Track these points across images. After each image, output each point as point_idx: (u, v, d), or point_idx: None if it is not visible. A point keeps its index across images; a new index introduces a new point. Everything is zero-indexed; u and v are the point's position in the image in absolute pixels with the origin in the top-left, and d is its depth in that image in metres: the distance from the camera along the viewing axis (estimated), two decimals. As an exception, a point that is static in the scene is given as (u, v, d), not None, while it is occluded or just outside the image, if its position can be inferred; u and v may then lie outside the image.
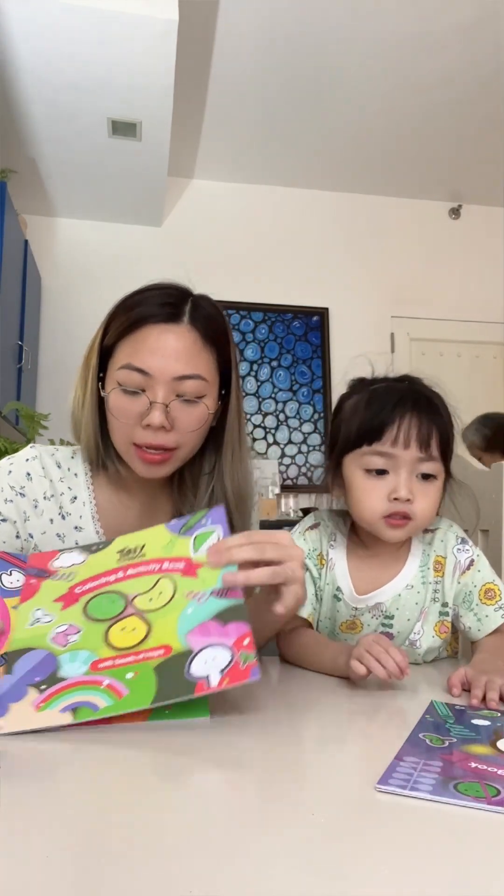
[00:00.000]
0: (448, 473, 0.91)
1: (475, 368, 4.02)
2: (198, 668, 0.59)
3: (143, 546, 0.72)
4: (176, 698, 0.57)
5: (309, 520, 1.01)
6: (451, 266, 4.07)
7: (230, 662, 0.58)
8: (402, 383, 0.91)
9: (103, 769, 0.49)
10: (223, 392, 0.89)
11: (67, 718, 0.57)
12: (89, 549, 0.74)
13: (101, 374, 0.87)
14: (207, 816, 0.41)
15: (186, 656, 0.60)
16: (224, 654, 0.59)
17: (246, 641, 0.60)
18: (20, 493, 0.88)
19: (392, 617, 0.91)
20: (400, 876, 0.34)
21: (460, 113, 3.28)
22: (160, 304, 0.84)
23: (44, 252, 3.63)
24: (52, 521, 0.88)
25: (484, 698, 0.68)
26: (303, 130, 3.42)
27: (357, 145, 3.55)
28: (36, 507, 0.88)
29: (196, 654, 0.60)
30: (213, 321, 0.86)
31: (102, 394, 0.86)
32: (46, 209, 3.63)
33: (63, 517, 0.89)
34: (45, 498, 0.88)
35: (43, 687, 0.59)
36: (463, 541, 0.96)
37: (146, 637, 0.62)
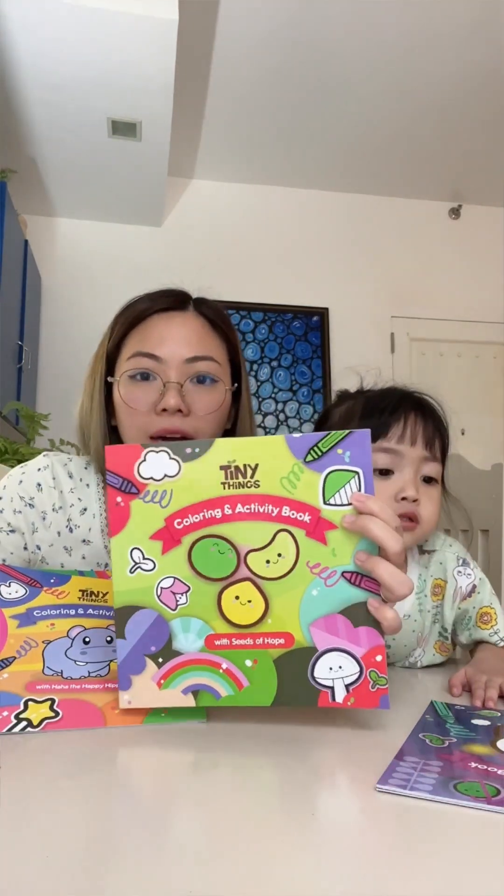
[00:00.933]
0: (442, 481, 0.89)
1: (475, 368, 4.02)
2: (322, 673, 0.56)
3: (256, 467, 0.57)
4: (297, 703, 0.56)
5: None
6: (451, 266, 4.07)
7: (359, 679, 0.55)
8: (399, 390, 0.90)
9: (102, 770, 0.49)
10: (235, 385, 0.86)
11: (190, 701, 0.57)
12: (182, 450, 0.59)
13: (109, 380, 0.84)
14: (207, 817, 0.41)
15: (310, 654, 0.56)
16: (352, 667, 0.55)
17: (378, 658, 0.55)
18: (29, 504, 0.85)
19: (389, 647, 0.88)
20: (400, 876, 0.34)
21: (460, 113, 3.28)
22: (163, 297, 0.84)
23: (44, 252, 3.63)
24: (59, 533, 0.86)
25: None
26: (303, 130, 3.42)
27: (357, 145, 3.55)
28: (44, 518, 0.85)
29: (320, 656, 0.56)
30: (218, 312, 0.86)
31: (111, 380, 0.82)
32: (46, 209, 3.63)
33: (71, 530, 0.86)
34: (53, 510, 0.86)
35: (160, 660, 0.58)
36: (464, 562, 0.92)
37: (264, 616, 0.57)
